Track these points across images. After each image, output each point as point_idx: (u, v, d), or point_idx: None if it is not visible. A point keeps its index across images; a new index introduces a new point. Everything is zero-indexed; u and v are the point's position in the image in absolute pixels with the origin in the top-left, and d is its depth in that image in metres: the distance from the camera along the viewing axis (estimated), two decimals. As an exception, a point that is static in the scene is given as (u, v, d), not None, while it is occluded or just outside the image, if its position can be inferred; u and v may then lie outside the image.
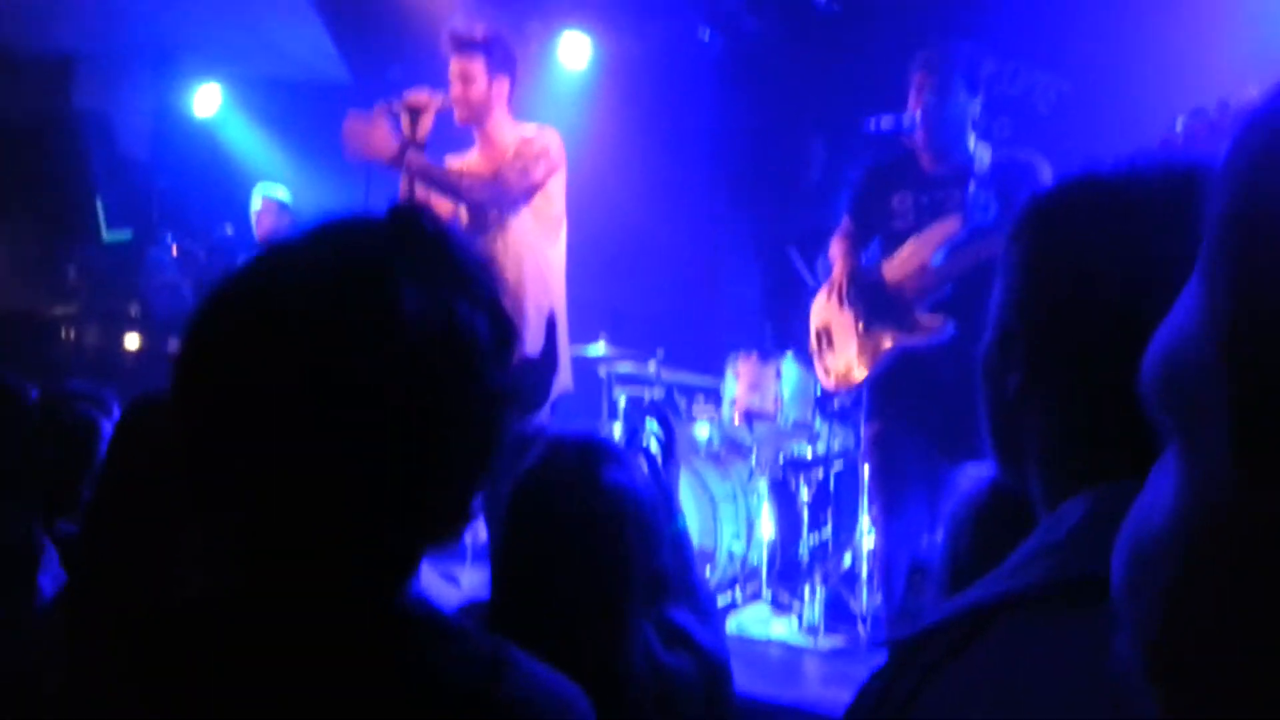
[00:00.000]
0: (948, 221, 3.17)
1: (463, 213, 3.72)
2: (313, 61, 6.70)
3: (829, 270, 3.58)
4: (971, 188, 3.16)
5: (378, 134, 3.45)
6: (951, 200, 3.20)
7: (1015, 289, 0.84)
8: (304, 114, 6.69)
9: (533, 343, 3.39)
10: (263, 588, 0.83)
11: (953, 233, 3.16)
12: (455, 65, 3.52)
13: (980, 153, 3.22)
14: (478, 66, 3.51)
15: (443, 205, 3.62)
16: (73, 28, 6.18)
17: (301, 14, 6.16)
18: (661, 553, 1.77)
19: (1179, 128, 2.79)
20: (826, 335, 3.52)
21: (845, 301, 3.39)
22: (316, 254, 0.85)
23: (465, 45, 3.51)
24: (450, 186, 3.54)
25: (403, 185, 3.52)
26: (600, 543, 1.61)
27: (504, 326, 0.88)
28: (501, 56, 3.58)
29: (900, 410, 3.28)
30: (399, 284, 0.80)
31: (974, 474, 1.47)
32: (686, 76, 6.30)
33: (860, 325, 3.36)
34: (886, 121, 3.25)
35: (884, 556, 3.33)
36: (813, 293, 3.74)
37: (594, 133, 5.78)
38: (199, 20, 6.17)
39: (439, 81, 3.66)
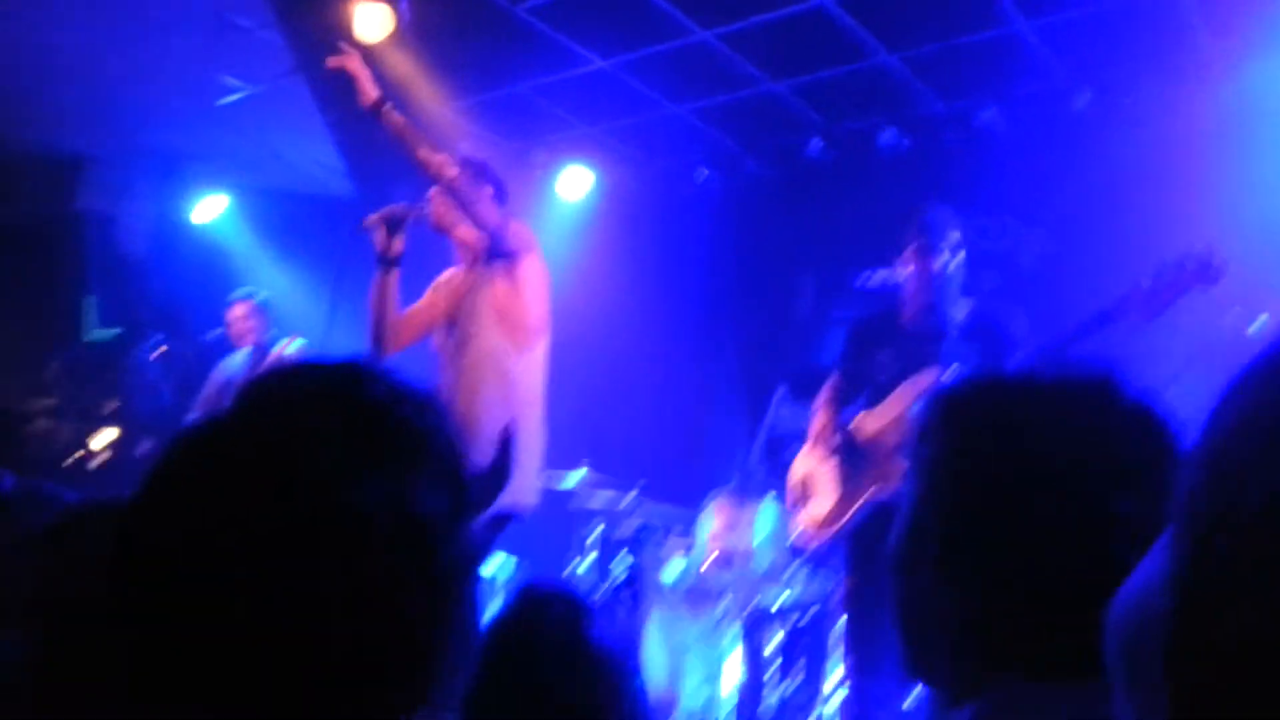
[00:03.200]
0: (927, 373, 3.25)
1: (438, 333, 3.68)
2: (319, 175, 6.86)
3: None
4: (949, 344, 3.27)
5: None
6: (932, 354, 3.30)
7: (926, 485, 0.88)
8: (306, 226, 6.81)
9: (485, 453, 3.30)
10: None
11: (931, 384, 3.23)
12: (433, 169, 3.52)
13: (959, 307, 3.33)
14: (457, 174, 3.48)
15: None
16: (82, 130, 6.34)
17: (311, 129, 6.34)
18: (632, 708, 1.74)
19: (1145, 283, 2.89)
20: (807, 486, 3.55)
21: (827, 453, 3.43)
22: (270, 443, 0.81)
23: (444, 166, 3.50)
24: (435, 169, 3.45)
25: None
26: (583, 702, 1.59)
27: (462, 492, 0.85)
28: (479, 169, 3.63)
29: (878, 564, 3.25)
30: (357, 479, 0.78)
31: None
32: (683, 213, 6.45)
33: (841, 477, 3.39)
34: (875, 279, 3.37)
35: (857, 715, 3.25)
36: (797, 435, 3.77)
37: (590, 262, 5.89)
38: (208, 129, 6.34)
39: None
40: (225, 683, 0.76)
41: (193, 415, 5.53)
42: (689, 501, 4.99)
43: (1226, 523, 0.40)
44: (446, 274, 3.79)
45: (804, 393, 5.51)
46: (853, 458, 3.38)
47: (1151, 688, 0.42)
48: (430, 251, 3.90)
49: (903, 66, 5.24)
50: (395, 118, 3.48)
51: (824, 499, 3.45)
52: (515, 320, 3.52)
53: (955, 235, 3.36)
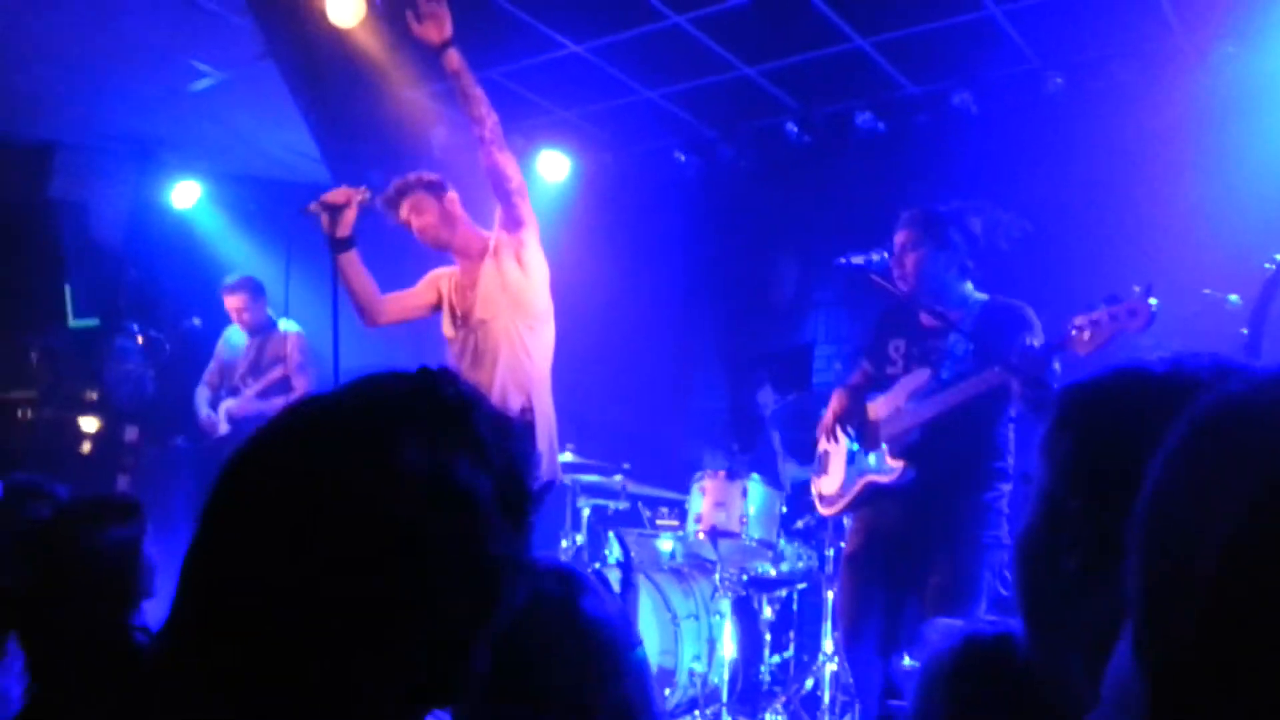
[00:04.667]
0: (921, 372, 3.36)
1: (449, 307, 3.79)
2: (294, 162, 6.81)
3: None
4: (952, 339, 3.33)
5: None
6: (938, 351, 3.38)
7: (1070, 472, 0.90)
8: (282, 212, 6.76)
9: None
10: None
11: (923, 383, 3.34)
12: (402, 209, 3.75)
13: (972, 302, 3.37)
14: (421, 198, 3.74)
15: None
16: (55, 117, 6.25)
17: (285, 115, 6.29)
18: (626, 681, 1.78)
19: (1083, 324, 2.93)
20: (824, 461, 3.67)
21: (839, 434, 3.56)
22: (331, 413, 0.88)
23: (400, 193, 3.76)
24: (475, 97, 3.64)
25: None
26: (579, 677, 1.62)
27: (517, 493, 0.89)
28: (435, 184, 3.81)
29: (866, 542, 3.37)
30: (400, 443, 0.83)
31: (944, 629, 1.49)
32: (661, 197, 6.47)
33: (847, 458, 3.53)
34: (856, 259, 3.42)
35: (852, 684, 3.38)
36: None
37: (569, 246, 5.90)
38: (182, 115, 6.27)
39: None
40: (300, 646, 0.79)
41: (200, 390, 5.48)
42: (675, 483, 5.04)
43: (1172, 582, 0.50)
44: (445, 271, 3.92)
45: (786, 375, 5.58)
46: (859, 441, 3.48)
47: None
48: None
49: (876, 50, 5.28)
50: (455, 58, 3.63)
51: (834, 477, 3.57)
52: (526, 304, 3.73)
53: (949, 229, 3.42)
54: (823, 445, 3.67)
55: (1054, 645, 0.92)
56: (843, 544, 4.15)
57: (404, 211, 3.73)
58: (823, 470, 3.63)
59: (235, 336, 5.59)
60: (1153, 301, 2.88)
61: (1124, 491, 0.83)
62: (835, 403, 3.57)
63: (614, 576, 4.10)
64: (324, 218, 3.60)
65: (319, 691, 0.80)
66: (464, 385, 0.92)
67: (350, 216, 3.60)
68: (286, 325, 5.50)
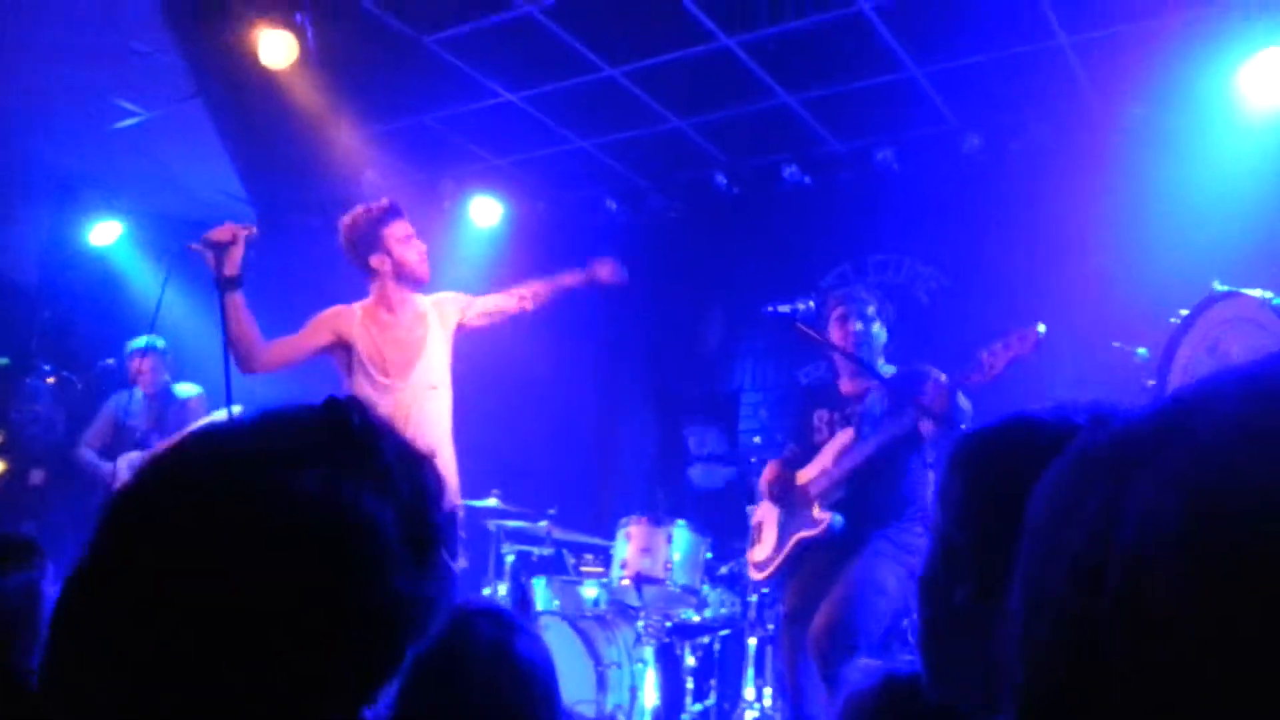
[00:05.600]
0: (845, 432, 3.61)
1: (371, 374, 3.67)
2: (218, 201, 6.71)
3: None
4: (869, 401, 3.62)
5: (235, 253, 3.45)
6: (858, 414, 3.65)
7: (959, 512, 0.95)
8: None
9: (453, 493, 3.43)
10: None
11: (847, 442, 3.60)
12: (406, 226, 3.65)
13: (886, 371, 3.66)
14: (407, 225, 3.69)
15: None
16: (-30, 152, 6.10)
17: (211, 154, 6.22)
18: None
19: (983, 356, 3.24)
20: (759, 530, 3.87)
21: (773, 503, 3.78)
22: (230, 444, 0.85)
23: (393, 215, 3.66)
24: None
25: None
26: (513, 717, 1.61)
27: (424, 527, 0.86)
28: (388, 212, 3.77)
29: (801, 598, 3.56)
30: (302, 471, 0.80)
31: (865, 669, 1.52)
32: (591, 244, 6.49)
33: (779, 523, 3.74)
34: (783, 307, 3.55)
35: None
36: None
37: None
38: (103, 153, 6.16)
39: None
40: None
41: (83, 450, 5.35)
42: (600, 529, 5.03)
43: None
44: (344, 311, 3.72)
45: (712, 419, 5.67)
46: (789, 507, 3.70)
47: None
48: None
49: (803, 107, 5.42)
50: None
51: (766, 544, 3.78)
52: (449, 366, 3.74)
53: (872, 307, 3.67)
54: (756, 516, 3.87)
55: (948, 674, 0.96)
56: (765, 590, 4.24)
57: (400, 232, 3.60)
58: (756, 540, 3.83)
59: (130, 397, 5.47)
60: (1041, 328, 3.18)
61: (1008, 528, 0.89)
62: (767, 472, 3.80)
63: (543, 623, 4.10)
64: (209, 256, 3.40)
65: None
66: (371, 414, 0.89)
67: (237, 255, 3.38)
68: (187, 389, 5.47)
